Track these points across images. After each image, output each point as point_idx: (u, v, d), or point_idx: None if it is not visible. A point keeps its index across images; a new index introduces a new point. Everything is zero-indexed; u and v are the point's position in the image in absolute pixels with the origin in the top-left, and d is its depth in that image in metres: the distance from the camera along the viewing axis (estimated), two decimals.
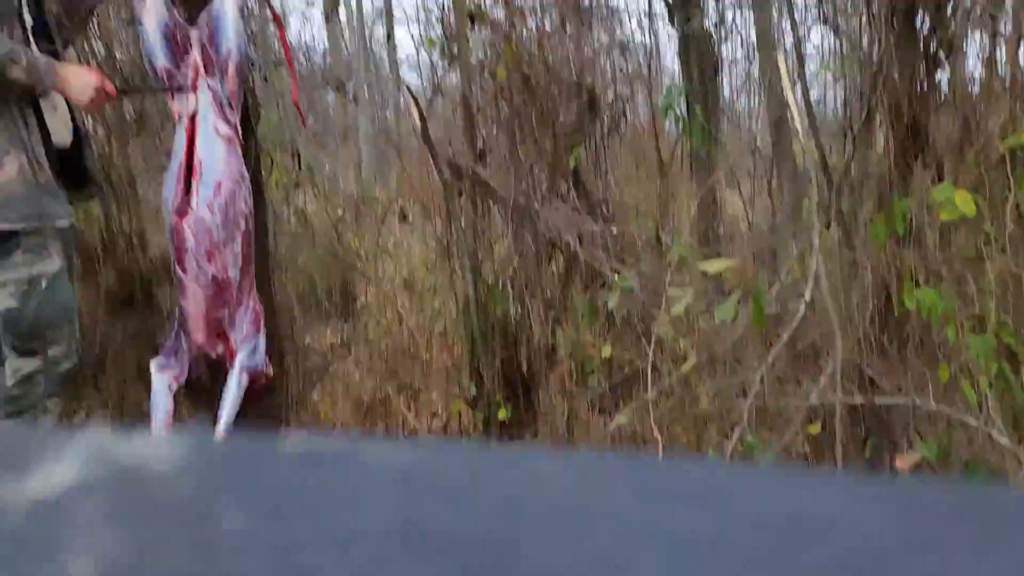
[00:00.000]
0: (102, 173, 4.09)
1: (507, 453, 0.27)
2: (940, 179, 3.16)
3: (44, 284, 2.17)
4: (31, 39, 2.26)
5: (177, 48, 2.58)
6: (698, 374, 2.26)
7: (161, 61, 2.58)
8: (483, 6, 4.51)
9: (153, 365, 2.63)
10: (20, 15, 2.19)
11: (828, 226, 3.02)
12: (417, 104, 3.74)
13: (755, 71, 5.79)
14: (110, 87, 2.27)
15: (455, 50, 4.35)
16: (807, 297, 2.43)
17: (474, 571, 0.19)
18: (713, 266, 2.51)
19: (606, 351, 2.37)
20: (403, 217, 4.17)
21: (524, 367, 2.62)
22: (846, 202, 3.10)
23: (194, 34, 2.59)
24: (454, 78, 4.80)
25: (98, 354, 3.23)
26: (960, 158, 3.19)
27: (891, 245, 2.80)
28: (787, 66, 3.73)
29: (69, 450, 0.23)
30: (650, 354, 2.26)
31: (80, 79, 2.19)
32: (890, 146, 3.29)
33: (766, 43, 4.86)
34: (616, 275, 2.63)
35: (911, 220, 2.93)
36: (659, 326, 2.39)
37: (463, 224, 2.86)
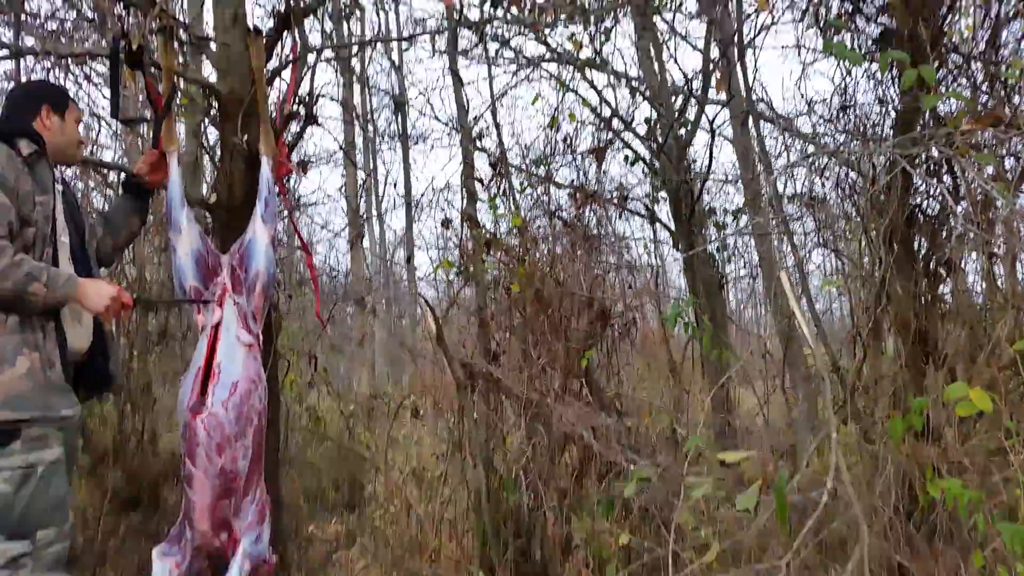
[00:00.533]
0: (122, 378, 4.20)
1: None
2: (953, 380, 3.17)
3: (40, 472, 2.22)
4: (68, 261, 2.48)
5: (207, 271, 2.77)
6: (721, 564, 2.14)
7: (190, 281, 2.75)
8: (498, 235, 4.81)
9: (155, 552, 2.56)
10: (54, 240, 2.42)
11: (845, 422, 2.99)
12: (432, 311, 3.88)
13: (760, 286, 6.00)
14: (126, 298, 2.43)
15: (471, 270, 4.58)
16: (829, 486, 2.36)
17: None
18: (732, 456, 2.46)
19: (623, 539, 2.26)
20: (415, 414, 4.15)
21: (538, 558, 2.47)
22: (861, 401, 3.09)
23: (225, 259, 2.78)
24: (469, 292, 5.00)
25: (99, 553, 3.10)
26: (971, 362, 3.22)
27: (910, 440, 2.75)
28: (791, 283, 3.87)
29: None
30: (670, 542, 2.15)
31: (97, 291, 2.36)
32: (900, 351, 3.34)
33: (768, 265, 5.08)
34: (632, 466, 2.57)
35: (927, 417, 2.91)
36: (679, 514, 2.29)
37: (475, 418, 2.85)
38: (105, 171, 4.66)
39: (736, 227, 5.55)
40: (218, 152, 3.22)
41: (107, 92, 2.96)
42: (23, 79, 3.98)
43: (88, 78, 4.79)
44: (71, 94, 2.65)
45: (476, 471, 2.72)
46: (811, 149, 5.85)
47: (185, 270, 2.75)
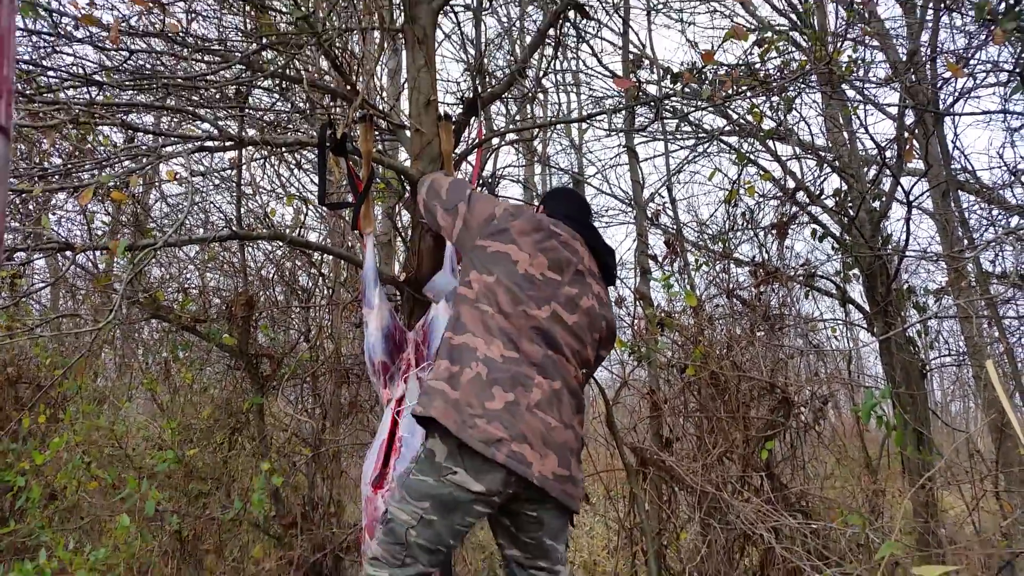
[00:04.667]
0: (313, 449, 4.45)
1: None
2: None
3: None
4: None
5: (394, 347, 2.90)
6: None
7: (379, 357, 2.89)
8: (672, 314, 4.71)
9: None
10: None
11: None
12: (603, 392, 3.84)
13: (967, 375, 5.45)
14: None
15: (643, 350, 4.50)
16: None
17: None
18: (932, 571, 2.21)
19: None
20: (585, 500, 4.07)
21: None
22: None
23: (410, 336, 2.91)
24: (642, 373, 4.90)
25: None
26: None
27: None
28: (1000, 372, 3.49)
29: None
30: None
31: None
32: None
33: (975, 351, 4.64)
34: (818, 573, 2.37)
35: None
36: None
37: (647, 509, 2.74)
38: (310, 252, 5.08)
39: (938, 309, 5.11)
40: (409, 232, 3.40)
41: (315, 178, 3.19)
42: (243, 164, 4.45)
43: (299, 165, 5.31)
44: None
45: (648, 568, 2.60)
46: (1020, 222, 5.34)
47: (375, 345, 2.88)
